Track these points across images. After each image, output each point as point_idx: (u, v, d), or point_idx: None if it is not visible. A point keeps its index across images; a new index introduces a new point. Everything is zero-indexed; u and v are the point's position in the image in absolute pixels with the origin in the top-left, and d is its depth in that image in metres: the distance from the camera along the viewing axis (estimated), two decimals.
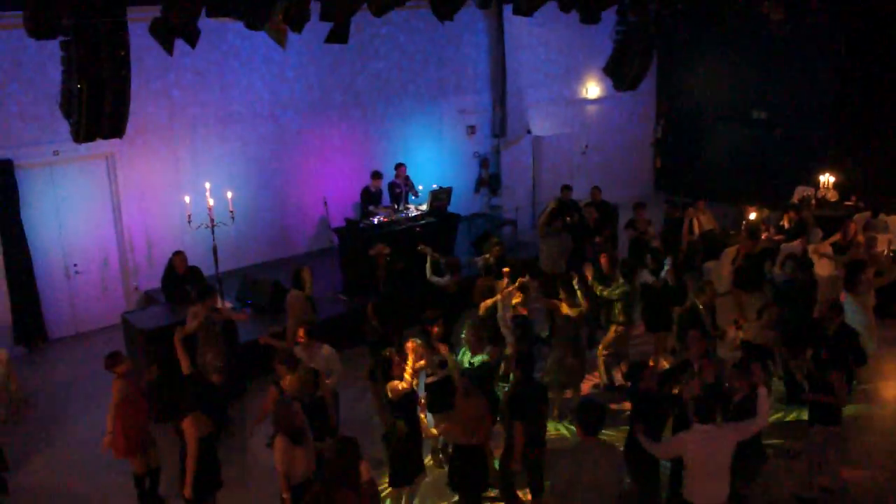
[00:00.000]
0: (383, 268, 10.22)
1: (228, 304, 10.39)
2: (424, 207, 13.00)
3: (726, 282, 11.83)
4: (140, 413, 7.59)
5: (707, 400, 6.45)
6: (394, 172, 13.92)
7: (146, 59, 11.57)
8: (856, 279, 9.69)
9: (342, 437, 5.99)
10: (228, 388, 9.02)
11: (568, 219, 12.81)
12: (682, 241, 12.22)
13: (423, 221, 12.77)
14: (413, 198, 13.67)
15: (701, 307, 9.06)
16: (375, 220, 12.54)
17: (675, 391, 7.29)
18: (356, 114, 14.87)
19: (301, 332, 8.06)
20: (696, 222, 12.65)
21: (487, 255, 10.40)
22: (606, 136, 18.83)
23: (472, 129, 16.60)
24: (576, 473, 5.69)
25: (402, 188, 13.63)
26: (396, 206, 13.23)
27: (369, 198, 13.47)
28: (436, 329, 8.12)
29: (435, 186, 13.26)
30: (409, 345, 7.61)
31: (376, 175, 13.54)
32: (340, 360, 8.25)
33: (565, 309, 8.99)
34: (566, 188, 13.56)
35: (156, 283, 11.51)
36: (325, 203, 13.88)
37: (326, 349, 8.12)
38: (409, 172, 14.15)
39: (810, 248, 11.73)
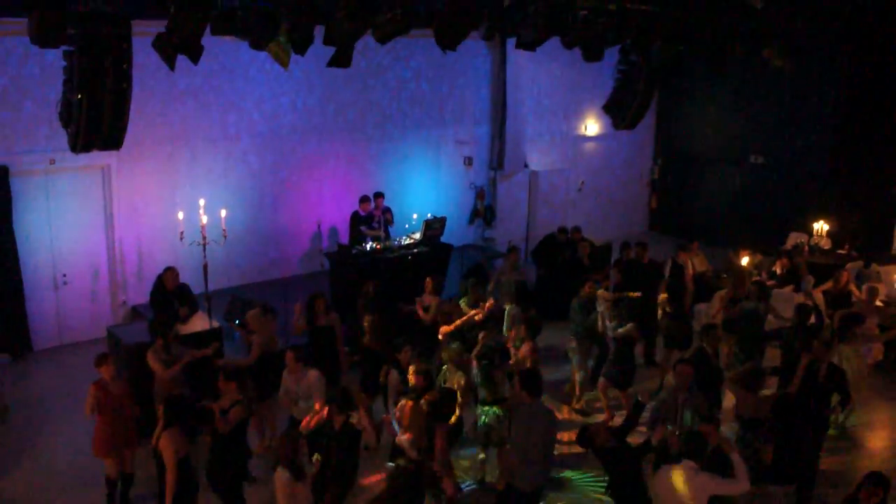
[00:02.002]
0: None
1: (216, 323, 10.32)
2: (417, 236, 12.99)
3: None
4: (116, 417, 7.65)
5: (693, 437, 6.41)
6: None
7: (148, 73, 11.62)
8: (849, 332, 9.72)
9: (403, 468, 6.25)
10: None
11: (560, 257, 13.22)
12: (685, 287, 12.03)
13: (415, 250, 12.76)
14: (391, 228, 13.62)
15: (709, 350, 8.86)
16: (367, 247, 12.52)
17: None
18: (355, 138, 14.90)
19: (289, 356, 7.98)
20: (689, 264, 12.68)
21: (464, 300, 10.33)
22: (603, 174, 18.90)
23: (469, 161, 16.62)
24: (529, 430, 6.90)
25: (379, 219, 13.55)
26: (381, 236, 13.15)
27: (360, 222, 13.44)
28: (404, 355, 8.27)
29: (429, 216, 13.27)
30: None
31: (365, 199, 13.52)
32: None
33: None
34: (562, 231, 13.83)
35: (144, 298, 11.44)
36: (319, 226, 13.88)
37: (312, 375, 8.05)
38: (405, 199, 14.17)
39: (801, 294, 11.75)
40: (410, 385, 7.71)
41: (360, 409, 7.41)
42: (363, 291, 10.12)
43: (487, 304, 9.93)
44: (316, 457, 6.89)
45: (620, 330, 9.74)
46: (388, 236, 13.30)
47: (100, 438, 7.76)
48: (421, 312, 10.42)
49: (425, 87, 15.69)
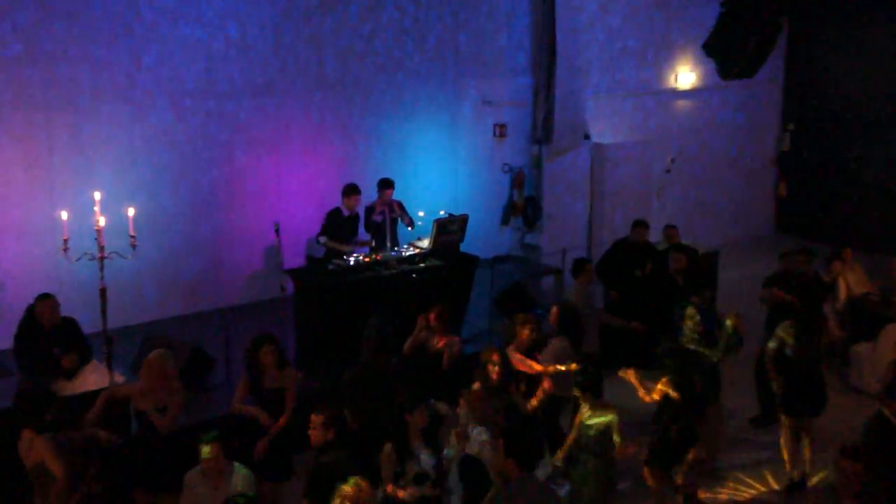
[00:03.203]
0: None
1: (120, 378, 10.27)
2: (426, 244, 12.95)
3: (888, 374, 11.57)
4: None
5: None
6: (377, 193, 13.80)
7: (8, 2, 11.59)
8: None
9: None
10: None
11: (638, 272, 13.24)
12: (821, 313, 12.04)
13: (422, 265, 12.75)
14: (404, 229, 13.71)
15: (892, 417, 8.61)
16: (352, 261, 12.48)
17: None
18: (329, 102, 14.95)
19: (210, 450, 7.67)
20: (841, 282, 12.56)
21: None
22: (704, 147, 19.00)
23: (501, 130, 16.70)
24: None
25: (385, 217, 13.58)
26: (373, 244, 13.23)
27: (339, 225, 13.42)
28: (413, 418, 8.30)
29: (442, 213, 13.25)
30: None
31: (351, 190, 13.49)
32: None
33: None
34: (639, 225, 13.67)
35: (6, 343, 11.23)
36: (278, 231, 13.73)
37: (240, 478, 7.82)
38: (406, 191, 14.22)
39: None
40: (312, 442, 8.06)
41: None
42: (366, 334, 10.06)
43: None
44: None
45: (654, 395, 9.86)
46: (394, 243, 13.40)
47: None
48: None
49: (433, 24, 15.73)
